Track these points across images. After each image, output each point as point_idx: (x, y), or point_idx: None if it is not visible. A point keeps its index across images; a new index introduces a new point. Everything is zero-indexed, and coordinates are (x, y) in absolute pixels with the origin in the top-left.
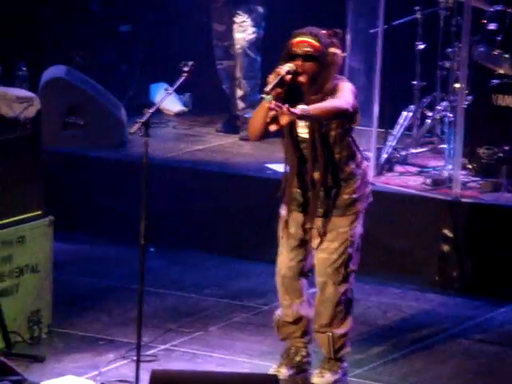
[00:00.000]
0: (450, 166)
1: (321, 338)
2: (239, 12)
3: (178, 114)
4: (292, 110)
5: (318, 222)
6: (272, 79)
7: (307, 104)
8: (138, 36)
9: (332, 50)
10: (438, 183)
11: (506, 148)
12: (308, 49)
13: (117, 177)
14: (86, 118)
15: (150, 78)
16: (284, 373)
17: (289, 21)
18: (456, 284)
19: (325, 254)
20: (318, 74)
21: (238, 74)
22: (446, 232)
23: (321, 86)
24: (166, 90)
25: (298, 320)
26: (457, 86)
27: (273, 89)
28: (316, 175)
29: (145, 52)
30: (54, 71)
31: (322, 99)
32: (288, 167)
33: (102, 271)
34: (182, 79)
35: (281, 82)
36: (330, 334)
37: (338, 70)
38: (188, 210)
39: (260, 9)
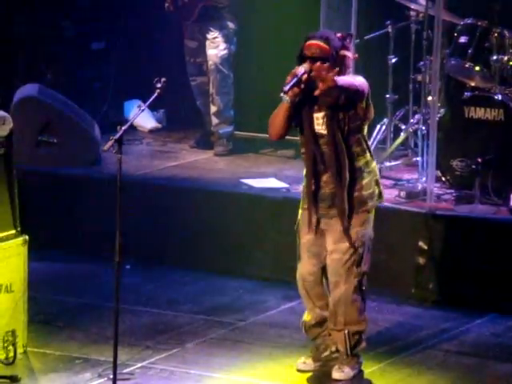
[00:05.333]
0: (424, 179)
1: (337, 336)
2: (211, 28)
3: (152, 131)
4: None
5: (330, 222)
6: (289, 80)
7: (320, 104)
8: (111, 53)
9: (343, 52)
10: (412, 196)
11: (479, 160)
12: (317, 51)
13: (91, 194)
14: (59, 136)
15: (124, 95)
16: (310, 364)
17: (261, 37)
18: (432, 296)
19: (337, 254)
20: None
21: (212, 90)
22: (421, 244)
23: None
24: (139, 106)
25: (322, 322)
26: (429, 99)
27: (290, 88)
28: (328, 172)
29: (118, 69)
30: (27, 90)
31: (334, 100)
32: (304, 163)
33: (77, 289)
34: (154, 96)
35: (298, 82)
36: (346, 331)
37: (348, 72)
38: (163, 226)
39: (231, 25)
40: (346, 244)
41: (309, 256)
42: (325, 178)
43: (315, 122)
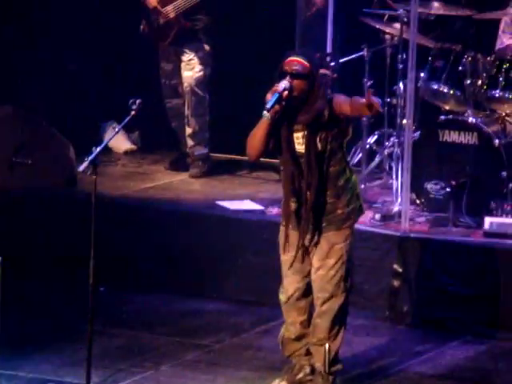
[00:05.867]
0: (399, 201)
1: (317, 350)
2: (186, 50)
3: (127, 152)
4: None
5: (314, 239)
6: (269, 97)
7: (298, 123)
8: (86, 74)
9: (322, 70)
10: (387, 218)
11: (453, 183)
12: (297, 67)
13: (66, 216)
14: (33, 157)
15: (100, 116)
16: None
17: (236, 59)
18: (406, 319)
19: (322, 270)
20: (308, 93)
21: (187, 111)
22: (396, 267)
23: (311, 105)
24: (114, 128)
25: (301, 337)
26: (404, 122)
27: (273, 105)
28: (310, 191)
29: (94, 90)
30: (1, 111)
31: (312, 118)
32: (283, 182)
33: (51, 311)
34: (129, 117)
35: (279, 99)
36: (327, 346)
37: (327, 91)
38: (138, 247)
39: (207, 47)
40: (332, 260)
41: (292, 272)
42: (306, 196)
43: (295, 141)
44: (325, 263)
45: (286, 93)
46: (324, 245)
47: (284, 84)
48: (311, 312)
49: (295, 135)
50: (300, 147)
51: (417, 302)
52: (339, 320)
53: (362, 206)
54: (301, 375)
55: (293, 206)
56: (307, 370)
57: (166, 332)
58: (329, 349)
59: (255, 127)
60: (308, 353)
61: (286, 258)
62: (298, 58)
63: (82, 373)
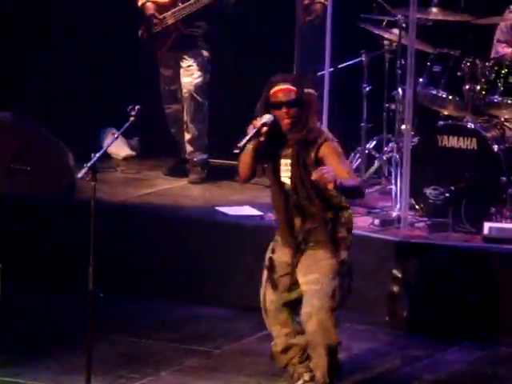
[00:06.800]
0: (398, 207)
1: (318, 364)
2: (185, 57)
3: (126, 159)
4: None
5: (301, 255)
6: (250, 130)
7: (291, 144)
8: (85, 81)
9: (307, 90)
10: (386, 224)
11: (453, 188)
12: (291, 96)
13: (66, 222)
14: (32, 163)
15: (99, 123)
16: None
17: (236, 65)
18: (406, 324)
19: (310, 285)
20: (301, 115)
21: (186, 117)
22: (395, 272)
23: (304, 125)
24: (113, 134)
25: (287, 349)
26: (403, 127)
27: (246, 144)
28: (298, 219)
29: (93, 96)
30: (0, 117)
31: (306, 137)
32: (276, 213)
33: (50, 318)
34: (128, 123)
35: (256, 135)
36: (327, 359)
37: (315, 110)
38: (137, 254)
39: (205, 53)
40: (317, 275)
41: (271, 283)
42: (298, 221)
43: (283, 168)
44: (311, 278)
45: (265, 128)
46: (312, 260)
47: (266, 119)
48: (298, 329)
49: (283, 161)
50: (285, 174)
51: (416, 308)
52: (332, 333)
53: (351, 218)
54: (300, 382)
55: (288, 232)
56: (306, 377)
57: (166, 338)
58: (328, 361)
59: (242, 153)
60: (304, 360)
61: (268, 269)
62: (287, 86)
63: (81, 379)
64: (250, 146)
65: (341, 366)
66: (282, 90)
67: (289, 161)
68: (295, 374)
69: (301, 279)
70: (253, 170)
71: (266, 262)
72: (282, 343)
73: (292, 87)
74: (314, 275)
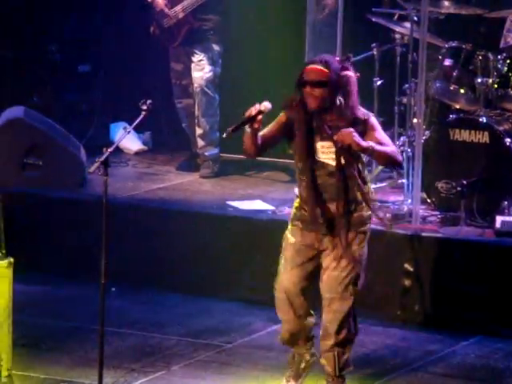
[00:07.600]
0: (410, 201)
1: (327, 356)
2: (196, 51)
3: (138, 153)
4: (361, 142)
5: (328, 240)
6: (253, 112)
7: (325, 128)
8: (96, 76)
9: (344, 73)
10: (397, 218)
11: (465, 182)
12: (316, 75)
13: (77, 217)
14: (45, 158)
15: (110, 118)
16: None
17: (247, 59)
18: (417, 318)
19: (334, 271)
20: (330, 99)
21: (197, 112)
22: (407, 266)
23: (341, 110)
24: (125, 128)
25: (298, 332)
26: (414, 121)
27: (235, 129)
28: (334, 201)
29: (104, 92)
30: (13, 112)
31: (347, 125)
32: (302, 189)
33: (63, 312)
34: (140, 118)
35: (250, 121)
36: (336, 352)
37: (355, 91)
38: (149, 248)
39: (216, 47)
40: (344, 262)
41: (292, 267)
42: (326, 204)
43: (319, 150)
44: (337, 264)
45: (260, 117)
46: (338, 246)
47: (263, 106)
48: (310, 312)
49: (320, 144)
50: (325, 156)
51: (428, 302)
52: (348, 324)
53: (373, 213)
54: (303, 365)
55: (316, 213)
56: (307, 356)
57: (177, 332)
58: (338, 355)
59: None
60: (307, 340)
61: (289, 253)
62: (316, 66)
63: (93, 373)
64: (248, 130)
65: (351, 362)
66: (310, 69)
67: (326, 143)
68: (296, 356)
69: (328, 263)
70: (256, 148)
71: (288, 247)
72: (292, 328)
73: (322, 68)
74: (343, 262)
